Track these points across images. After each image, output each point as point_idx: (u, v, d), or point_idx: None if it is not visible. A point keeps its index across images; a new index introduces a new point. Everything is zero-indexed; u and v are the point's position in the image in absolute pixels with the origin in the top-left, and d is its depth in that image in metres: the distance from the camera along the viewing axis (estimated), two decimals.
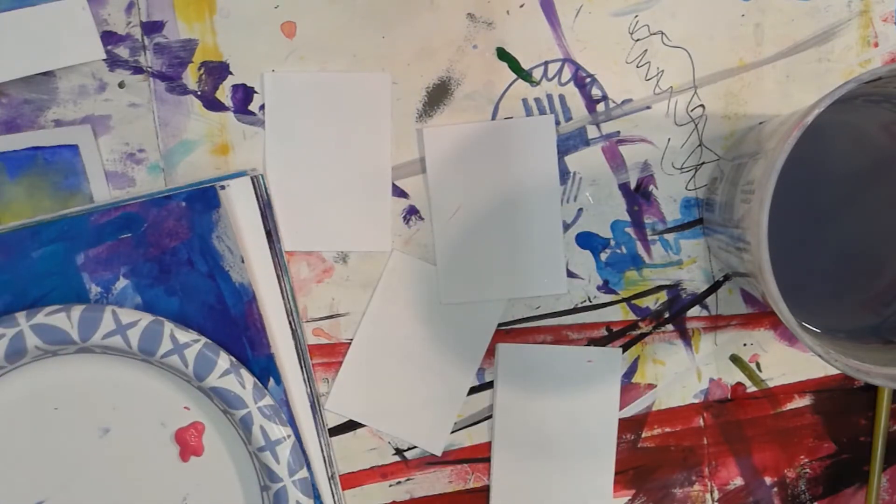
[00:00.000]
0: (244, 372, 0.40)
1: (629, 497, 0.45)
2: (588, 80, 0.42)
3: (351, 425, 0.43)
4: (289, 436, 0.40)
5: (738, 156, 0.39)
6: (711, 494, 0.45)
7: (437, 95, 0.42)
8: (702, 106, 0.43)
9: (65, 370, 0.40)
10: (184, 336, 0.39)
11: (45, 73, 0.41)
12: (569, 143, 0.43)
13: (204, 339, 0.39)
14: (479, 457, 0.44)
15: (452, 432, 0.44)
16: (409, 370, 0.43)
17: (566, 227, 0.43)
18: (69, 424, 0.41)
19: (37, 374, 0.40)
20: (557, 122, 0.42)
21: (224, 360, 0.39)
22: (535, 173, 0.42)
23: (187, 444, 0.41)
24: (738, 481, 0.45)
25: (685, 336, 0.44)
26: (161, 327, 0.39)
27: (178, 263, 0.40)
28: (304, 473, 0.40)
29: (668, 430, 0.44)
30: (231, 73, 0.42)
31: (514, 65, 0.42)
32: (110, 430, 0.41)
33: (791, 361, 0.44)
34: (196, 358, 0.39)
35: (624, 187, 0.43)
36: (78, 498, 0.41)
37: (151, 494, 0.41)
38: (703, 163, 0.43)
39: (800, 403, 0.45)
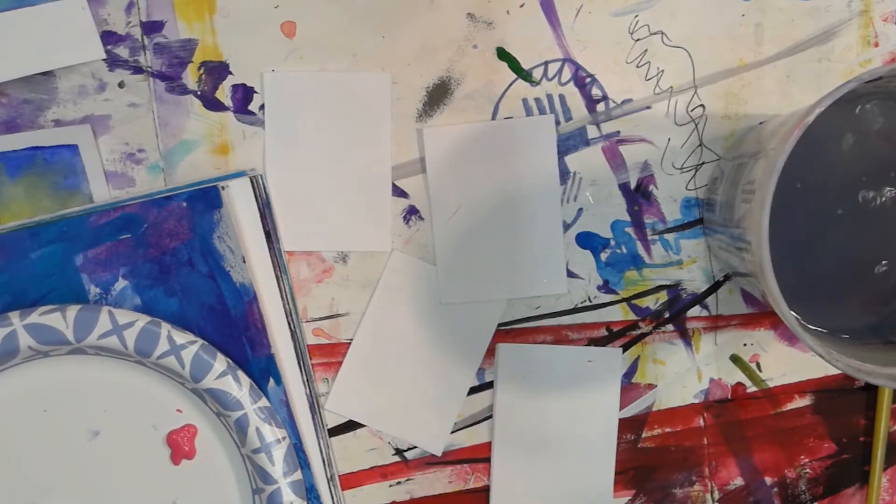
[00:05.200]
0: (240, 374, 0.39)
1: (629, 497, 0.45)
2: (588, 79, 0.42)
3: (351, 425, 0.43)
4: (284, 437, 0.40)
5: (739, 156, 0.39)
6: (712, 494, 0.45)
7: (437, 95, 0.42)
8: (702, 106, 0.43)
9: (55, 371, 0.40)
10: (180, 337, 0.39)
11: (44, 73, 0.41)
12: (569, 143, 0.43)
13: (201, 341, 0.39)
14: (479, 457, 0.44)
15: (452, 432, 0.44)
16: (409, 370, 0.43)
17: (566, 227, 0.43)
18: (58, 427, 0.40)
19: (26, 376, 0.40)
20: (557, 122, 0.42)
21: (221, 362, 0.39)
22: (535, 173, 0.42)
23: (179, 447, 0.41)
24: (739, 481, 0.45)
25: (685, 336, 0.44)
26: (158, 328, 0.39)
27: (178, 264, 0.40)
28: (298, 475, 0.40)
29: (668, 430, 0.44)
30: (231, 73, 0.42)
31: (514, 65, 0.42)
32: (100, 432, 0.40)
33: (791, 361, 0.44)
34: (193, 359, 0.39)
35: (624, 187, 0.43)
36: (65, 502, 0.40)
37: (140, 498, 0.41)
38: (703, 163, 0.43)
39: (800, 403, 0.45)
